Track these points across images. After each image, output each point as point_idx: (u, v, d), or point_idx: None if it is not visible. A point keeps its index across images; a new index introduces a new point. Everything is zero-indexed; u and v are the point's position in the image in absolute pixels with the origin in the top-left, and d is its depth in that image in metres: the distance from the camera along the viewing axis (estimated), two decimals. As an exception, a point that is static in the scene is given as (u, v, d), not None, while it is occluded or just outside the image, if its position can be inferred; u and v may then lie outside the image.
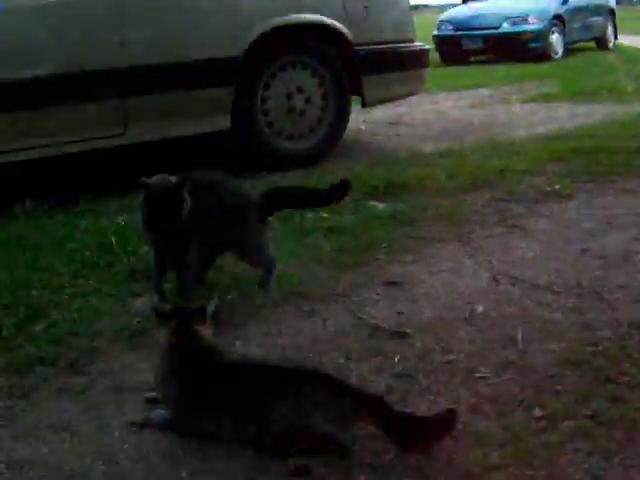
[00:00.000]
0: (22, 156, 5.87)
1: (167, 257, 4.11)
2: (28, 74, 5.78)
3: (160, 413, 3.20)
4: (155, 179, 3.89)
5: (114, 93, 6.11)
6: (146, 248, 4.12)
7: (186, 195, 3.84)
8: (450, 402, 3.20)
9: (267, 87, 6.97)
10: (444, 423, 2.93)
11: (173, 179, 3.87)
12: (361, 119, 8.87)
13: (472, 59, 19.61)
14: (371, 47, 7.47)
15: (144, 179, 3.83)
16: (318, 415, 2.85)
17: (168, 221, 3.79)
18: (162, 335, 3.16)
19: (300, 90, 7.09)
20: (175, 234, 3.89)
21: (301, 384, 2.91)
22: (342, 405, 2.88)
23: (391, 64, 7.66)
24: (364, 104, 7.64)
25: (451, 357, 3.59)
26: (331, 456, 2.87)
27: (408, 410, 3.07)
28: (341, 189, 4.38)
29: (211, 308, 3.22)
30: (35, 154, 5.93)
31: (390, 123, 9.56)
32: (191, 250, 4.03)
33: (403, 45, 7.89)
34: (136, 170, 4.23)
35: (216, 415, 3.02)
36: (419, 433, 2.90)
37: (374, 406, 2.89)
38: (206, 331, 3.15)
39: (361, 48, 7.37)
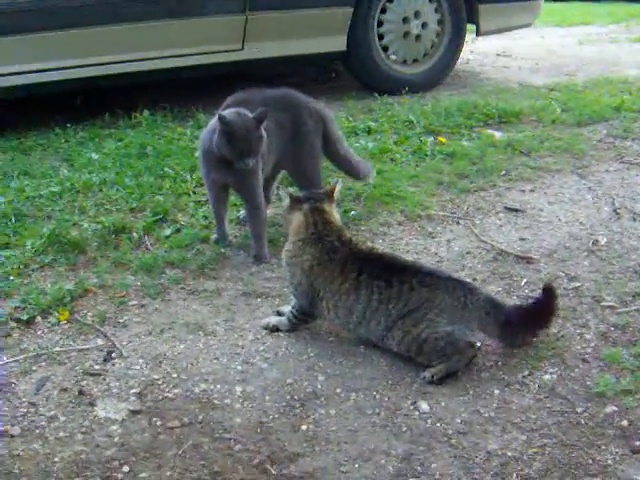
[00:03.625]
0: (151, 65, 5.93)
1: (228, 190, 3.96)
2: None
3: (281, 319, 3.30)
4: (233, 113, 3.63)
5: (235, 8, 6.10)
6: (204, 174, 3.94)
7: (263, 129, 3.64)
8: (579, 327, 3.23)
9: (384, 10, 6.91)
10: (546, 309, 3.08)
11: (250, 113, 3.66)
12: (469, 49, 8.75)
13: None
14: (489, -25, 7.35)
15: (221, 112, 3.61)
16: (460, 323, 2.90)
17: (249, 157, 3.58)
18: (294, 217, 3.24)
19: (417, 15, 7.01)
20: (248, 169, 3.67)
21: (443, 289, 2.97)
22: (477, 312, 2.96)
23: (508, -6, 7.52)
24: (478, 33, 7.53)
25: (577, 284, 3.60)
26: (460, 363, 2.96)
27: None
28: None
29: (339, 188, 3.32)
30: (162, 64, 5.97)
31: (498, 55, 9.42)
32: (260, 179, 3.85)
33: (520, -25, 7.75)
34: (249, 84, 4.23)
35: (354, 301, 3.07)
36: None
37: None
38: (335, 214, 3.26)
39: (479, -25, 7.25)
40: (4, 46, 5.40)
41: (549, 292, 3.07)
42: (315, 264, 3.08)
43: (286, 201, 3.20)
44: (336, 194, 3.22)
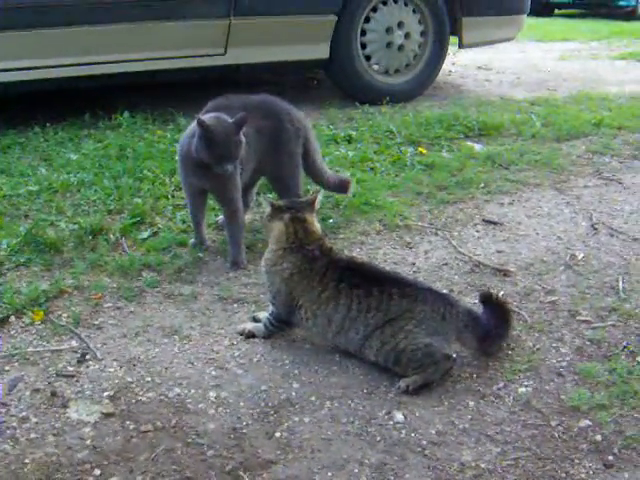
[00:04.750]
0: (133, 67, 5.92)
1: (206, 195, 3.97)
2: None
3: (257, 326, 3.28)
4: (213, 118, 3.60)
5: (219, 13, 6.09)
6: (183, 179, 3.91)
7: (242, 134, 3.60)
8: (554, 341, 3.23)
9: (367, 20, 6.92)
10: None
11: (230, 118, 3.61)
12: (451, 62, 8.79)
13: (556, 12, 19.22)
14: (473, -12, 7.39)
15: (201, 117, 3.55)
16: (439, 335, 2.90)
17: (228, 162, 3.54)
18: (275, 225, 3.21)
19: (400, 25, 7.03)
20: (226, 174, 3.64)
21: (422, 300, 2.97)
22: (455, 325, 2.97)
23: (491, 7, 7.55)
24: (461, 45, 7.56)
25: (553, 298, 3.60)
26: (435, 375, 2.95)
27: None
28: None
29: (320, 198, 3.30)
30: (143, 66, 5.95)
31: (480, 68, 9.47)
32: (238, 184, 3.82)
33: (504, -12, 7.80)
34: (230, 89, 4.23)
35: (331, 309, 3.05)
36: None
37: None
38: (316, 223, 3.24)
39: (463, -12, 7.29)
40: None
41: (488, 299, 3.15)
42: (295, 272, 3.07)
43: (267, 209, 3.19)
44: (317, 204, 3.21)
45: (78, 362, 3.05)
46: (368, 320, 2.93)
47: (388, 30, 6.91)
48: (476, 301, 3.42)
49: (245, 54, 6.28)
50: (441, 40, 7.19)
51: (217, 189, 3.79)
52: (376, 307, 2.92)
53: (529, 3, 7.89)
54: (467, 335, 2.98)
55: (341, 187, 4.34)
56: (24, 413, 2.75)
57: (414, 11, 7.00)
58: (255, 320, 3.31)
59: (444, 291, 3.33)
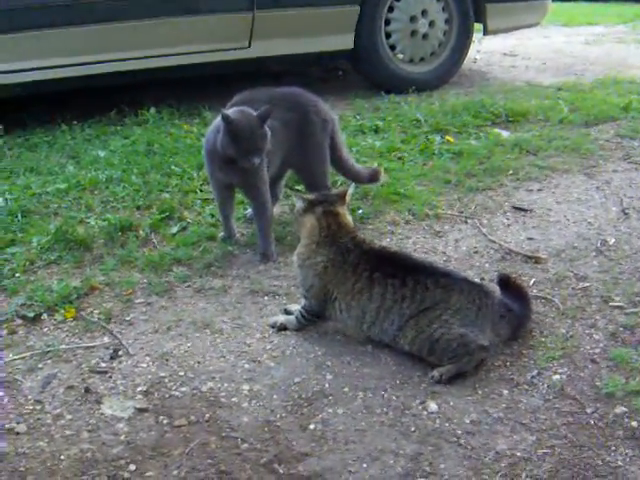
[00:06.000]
0: (157, 63, 5.92)
1: (233, 189, 3.94)
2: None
3: (289, 318, 3.28)
4: (237, 112, 3.61)
5: (243, 6, 6.08)
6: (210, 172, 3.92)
7: (267, 127, 3.60)
8: (588, 327, 3.20)
9: (391, 9, 6.89)
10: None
11: (255, 112, 3.62)
12: (476, 49, 8.73)
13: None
14: (497, -26, 7.34)
15: (225, 111, 3.56)
16: (474, 325, 2.89)
17: (254, 155, 3.55)
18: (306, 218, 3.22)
19: (424, 14, 7.00)
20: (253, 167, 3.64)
21: (458, 290, 2.96)
22: (491, 316, 2.96)
23: (516, -7, 7.50)
24: (486, 32, 7.50)
25: (586, 284, 3.58)
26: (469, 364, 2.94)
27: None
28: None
29: (351, 191, 3.31)
30: (168, 62, 5.96)
31: (505, 54, 9.41)
32: (265, 177, 3.82)
33: (528, -26, 7.73)
34: (256, 83, 4.22)
35: (365, 302, 3.05)
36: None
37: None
38: (348, 216, 3.25)
39: (487, -26, 7.23)
40: (3, 43, 5.36)
41: (506, 280, 3.21)
42: (329, 266, 3.08)
43: (298, 204, 3.19)
44: (348, 197, 3.22)
45: (111, 358, 3.06)
46: (403, 310, 2.92)
47: (412, 19, 6.87)
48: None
49: (269, 47, 6.27)
50: (466, 27, 7.15)
51: (244, 183, 3.79)
52: (411, 297, 2.91)
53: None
54: (502, 326, 2.98)
55: (371, 177, 4.30)
56: (58, 410, 2.76)
57: (438, -1, 6.94)
58: (287, 313, 3.31)
59: (478, 280, 3.30)
